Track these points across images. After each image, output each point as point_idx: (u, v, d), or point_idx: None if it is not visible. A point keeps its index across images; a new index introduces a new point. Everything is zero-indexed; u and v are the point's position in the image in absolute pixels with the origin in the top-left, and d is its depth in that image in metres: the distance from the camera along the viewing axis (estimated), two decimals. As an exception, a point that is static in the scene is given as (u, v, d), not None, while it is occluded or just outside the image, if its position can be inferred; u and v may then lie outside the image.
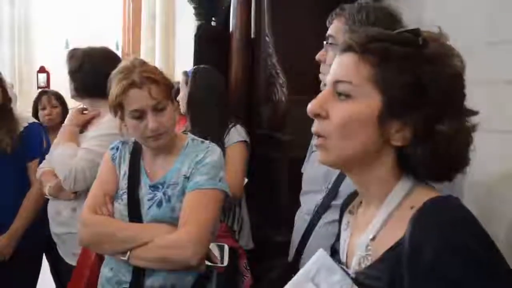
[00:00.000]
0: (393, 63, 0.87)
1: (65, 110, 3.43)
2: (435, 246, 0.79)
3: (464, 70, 0.89)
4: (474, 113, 0.90)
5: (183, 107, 2.57)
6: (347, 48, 0.92)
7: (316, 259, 0.96)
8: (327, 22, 1.55)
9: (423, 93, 0.85)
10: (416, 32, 0.89)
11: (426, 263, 0.79)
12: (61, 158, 2.15)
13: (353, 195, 1.08)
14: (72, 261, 2.17)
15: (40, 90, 3.90)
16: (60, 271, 2.37)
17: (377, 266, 0.87)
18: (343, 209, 1.11)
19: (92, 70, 2.16)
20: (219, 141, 2.29)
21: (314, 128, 0.94)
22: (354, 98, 0.89)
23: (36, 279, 2.64)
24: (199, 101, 2.47)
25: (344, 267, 0.96)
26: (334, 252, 1.06)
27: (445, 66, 0.87)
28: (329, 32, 1.53)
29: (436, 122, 0.86)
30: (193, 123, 2.47)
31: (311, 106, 0.93)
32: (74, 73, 2.25)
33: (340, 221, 1.10)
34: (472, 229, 0.81)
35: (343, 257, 1.00)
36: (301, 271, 0.95)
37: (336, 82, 0.92)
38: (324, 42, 1.55)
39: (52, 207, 2.27)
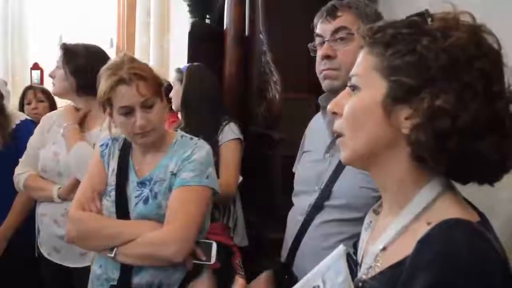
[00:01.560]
0: (395, 47, 0.84)
1: (51, 105, 3.40)
2: (428, 281, 0.73)
3: (483, 43, 0.82)
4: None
5: (175, 104, 2.56)
6: (363, 45, 0.92)
7: (333, 256, 0.94)
8: (321, 18, 1.51)
9: (427, 72, 0.80)
10: (422, 14, 0.85)
11: None
12: (81, 157, 2.06)
13: None
14: (76, 263, 2.12)
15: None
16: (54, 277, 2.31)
17: (379, 279, 0.84)
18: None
19: (94, 69, 2.12)
20: (213, 139, 2.29)
21: (333, 127, 0.95)
22: (360, 89, 0.89)
23: (31, 275, 2.62)
24: (193, 99, 2.46)
25: (359, 269, 0.93)
26: (356, 251, 1.02)
27: (445, 38, 0.80)
28: (340, 24, 1.46)
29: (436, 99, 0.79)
30: (187, 121, 2.46)
31: (329, 105, 0.94)
32: (81, 71, 2.18)
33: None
34: (476, 274, 0.73)
35: (359, 258, 0.97)
36: (321, 264, 0.94)
37: (350, 78, 0.92)
38: (328, 39, 1.47)
39: (57, 209, 2.16)
